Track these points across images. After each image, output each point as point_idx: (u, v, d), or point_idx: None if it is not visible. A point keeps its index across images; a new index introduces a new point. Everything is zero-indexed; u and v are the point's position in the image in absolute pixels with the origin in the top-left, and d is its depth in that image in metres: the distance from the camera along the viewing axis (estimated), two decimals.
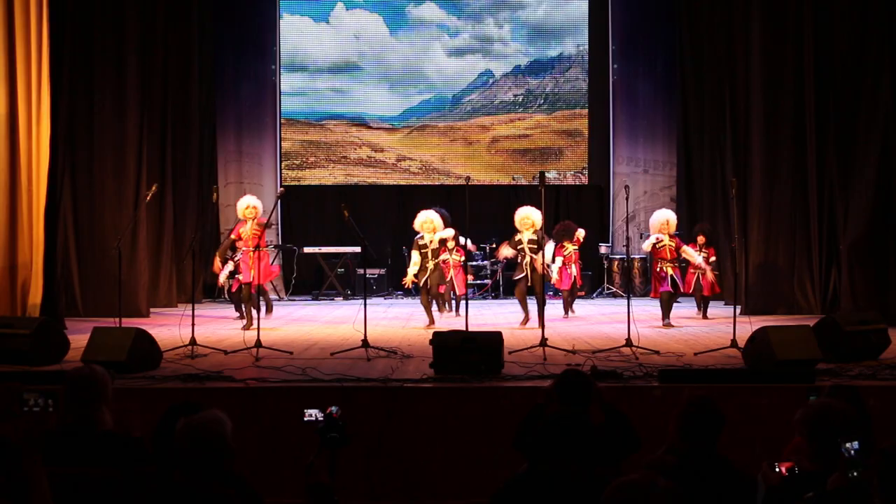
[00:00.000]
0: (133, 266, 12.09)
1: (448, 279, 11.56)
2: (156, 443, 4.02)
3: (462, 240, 11.55)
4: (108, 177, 12.26)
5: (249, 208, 10.60)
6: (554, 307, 12.15)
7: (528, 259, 10.56)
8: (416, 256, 10.97)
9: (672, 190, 15.98)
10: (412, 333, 9.98)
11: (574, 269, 11.89)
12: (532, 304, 10.47)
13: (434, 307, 11.09)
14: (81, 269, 12.14)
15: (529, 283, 10.56)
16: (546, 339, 8.19)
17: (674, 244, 11.05)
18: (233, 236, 10.78)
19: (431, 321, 10.75)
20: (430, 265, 10.87)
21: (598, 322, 11.33)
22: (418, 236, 11.04)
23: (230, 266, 10.97)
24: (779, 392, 6.47)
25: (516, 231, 10.77)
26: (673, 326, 10.58)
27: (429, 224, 10.95)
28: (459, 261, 11.82)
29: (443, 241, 11.08)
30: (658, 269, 10.91)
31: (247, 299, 10.50)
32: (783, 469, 3.79)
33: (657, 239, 11.01)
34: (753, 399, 6.43)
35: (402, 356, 8.06)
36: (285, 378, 6.89)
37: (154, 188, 9.58)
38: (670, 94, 15.75)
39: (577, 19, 16.84)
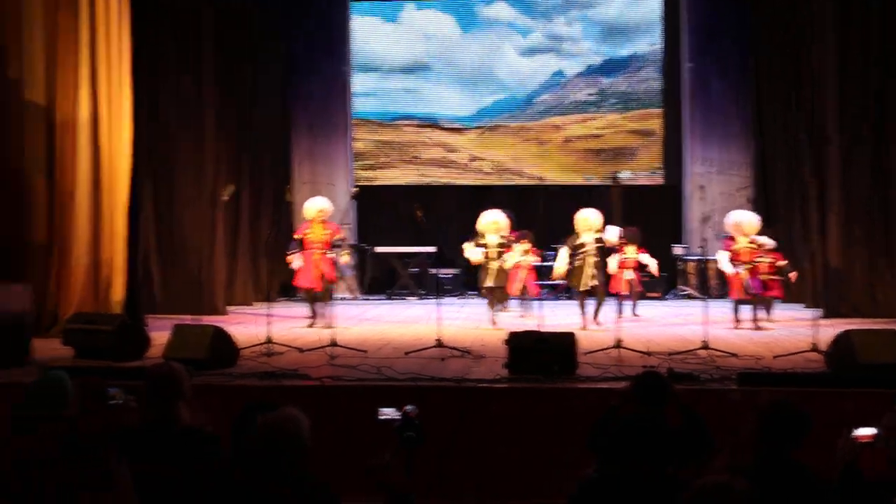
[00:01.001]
0: (211, 264, 12.24)
1: (519, 281, 11.45)
2: (233, 440, 4.06)
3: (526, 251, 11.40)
4: (186, 176, 12.46)
5: (322, 211, 10.62)
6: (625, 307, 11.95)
7: (591, 261, 10.37)
8: (475, 252, 10.65)
9: (748, 191, 15.62)
10: (486, 334, 9.87)
11: (632, 274, 11.53)
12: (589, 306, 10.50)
13: (498, 308, 10.87)
14: (161, 266, 12.36)
15: (587, 287, 10.37)
16: (620, 341, 8.09)
17: (755, 246, 10.71)
18: (295, 236, 10.71)
19: (494, 321, 10.56)
20: (493, 266, 10.69)
21: (673, 324, 11.17)
22: (479, 236, 10.75)
23: (298, 260, 10.76)
24: (863, 397, 6.26)
25: (574, 234, 10.57)
26: (743, 329, 10.33)
27: (493, 225, 10.78)
28: (531, 263, 11.72)
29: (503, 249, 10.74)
30: (735, 273, 10.65)
31: (312, 300, 10.65)
32: (863, 438, 3.69)
33: (731, 249, 10.66)
34: (836, 403, 6.22)
35: (475, 356, 7.99)
36: (360, 377, 6.89)
37: (232, 188, 9.69)
38: (745, 92, 15.46)
39: (649, 17, 16.65)
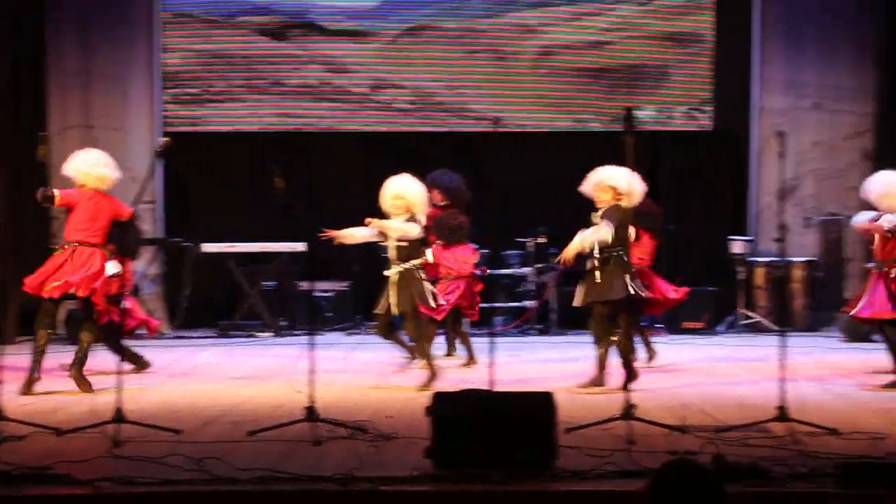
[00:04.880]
0: None
1: (449, 301, 8.35)
2: None
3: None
4: None
5: (96, 176, 7.35)
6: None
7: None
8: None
9: (866, 138, 11.02)
10: (394, 396, 7.26)
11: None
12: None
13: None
14: None
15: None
16: (633, 407, 5.87)
17: None
18: (56, 192, 7.24)
19: (433, 377, 7.48)
20: (393, 275, 7.54)
21: (727, 377, 8.32)
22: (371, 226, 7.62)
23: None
24: None
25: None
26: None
27: (398, 202, 7.54)
28: (470, 271, 8.60)
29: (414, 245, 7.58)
30: (874, 274, 7.43)
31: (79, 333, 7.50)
32: None
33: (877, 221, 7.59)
34: None
35: (376, 436, 5.98)
36: (168, 477, 5.09)
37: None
38: None
39: None
